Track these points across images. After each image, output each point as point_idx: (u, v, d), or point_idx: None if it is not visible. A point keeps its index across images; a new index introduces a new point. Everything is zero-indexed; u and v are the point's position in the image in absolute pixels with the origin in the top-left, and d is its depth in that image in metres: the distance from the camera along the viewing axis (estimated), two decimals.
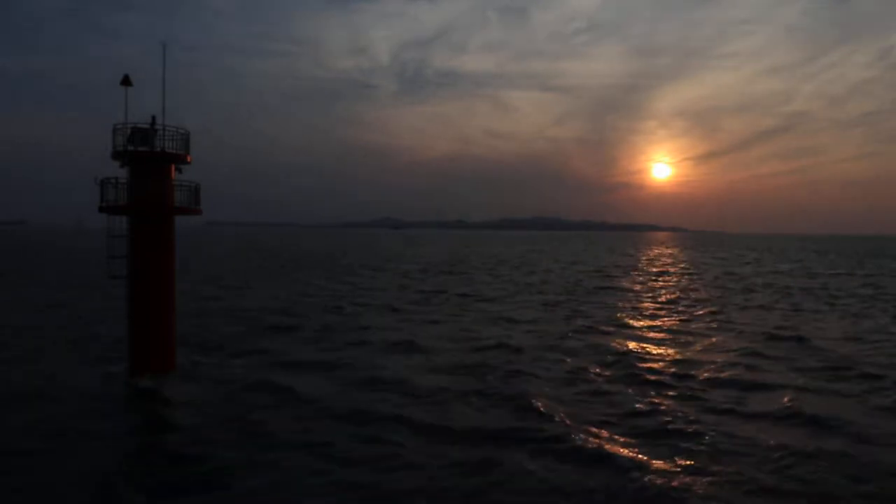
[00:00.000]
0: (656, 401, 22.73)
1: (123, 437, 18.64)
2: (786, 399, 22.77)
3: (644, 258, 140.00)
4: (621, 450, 17.75)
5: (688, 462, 16.92)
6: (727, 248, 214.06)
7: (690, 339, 35.41)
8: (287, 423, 19.61)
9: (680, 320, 42.72)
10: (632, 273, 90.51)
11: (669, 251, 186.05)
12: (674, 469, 16.41)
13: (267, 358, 28.71)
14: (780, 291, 63.25)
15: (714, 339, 35.15)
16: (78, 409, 20.59)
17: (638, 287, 67.83)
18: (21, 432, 18.45)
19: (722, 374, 26.78)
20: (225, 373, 25.74)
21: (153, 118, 23.98)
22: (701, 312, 46.44)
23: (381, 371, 26.55)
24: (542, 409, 21.31)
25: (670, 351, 31.94)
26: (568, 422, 20.10)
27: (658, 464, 16.68)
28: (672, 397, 23.31)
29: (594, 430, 19.43)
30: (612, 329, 38.56)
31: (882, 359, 30.22)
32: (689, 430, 19.46)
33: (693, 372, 27.08)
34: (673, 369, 27.63)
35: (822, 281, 77.09)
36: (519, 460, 16.85)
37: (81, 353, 28.88)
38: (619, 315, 44.60)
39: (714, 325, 40.70)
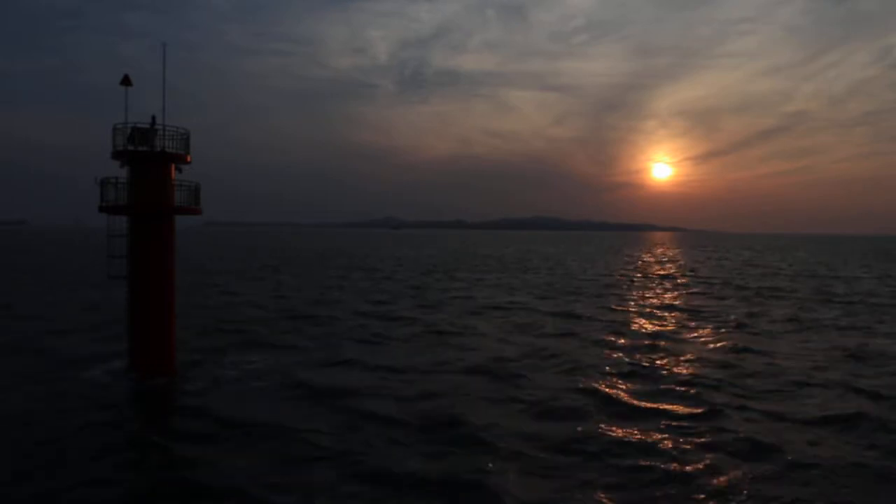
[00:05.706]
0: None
1: (121, 437, 18.51)
2: None
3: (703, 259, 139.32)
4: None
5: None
6: (727, 248, 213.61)
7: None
8: (285, 424, 19.44)
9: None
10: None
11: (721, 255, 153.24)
12: None
13: (267, 358, 28.52)
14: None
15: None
16: (75, 410, 20.43)
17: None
18: (19, 437, 18.36)
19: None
20: (225, 373, 25.58)
21: (153, 118, 23.92)
22: None
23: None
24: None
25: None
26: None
27: None
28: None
29: None
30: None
31: None
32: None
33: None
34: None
35: None
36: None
37: (81, 354, 28.75)
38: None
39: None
